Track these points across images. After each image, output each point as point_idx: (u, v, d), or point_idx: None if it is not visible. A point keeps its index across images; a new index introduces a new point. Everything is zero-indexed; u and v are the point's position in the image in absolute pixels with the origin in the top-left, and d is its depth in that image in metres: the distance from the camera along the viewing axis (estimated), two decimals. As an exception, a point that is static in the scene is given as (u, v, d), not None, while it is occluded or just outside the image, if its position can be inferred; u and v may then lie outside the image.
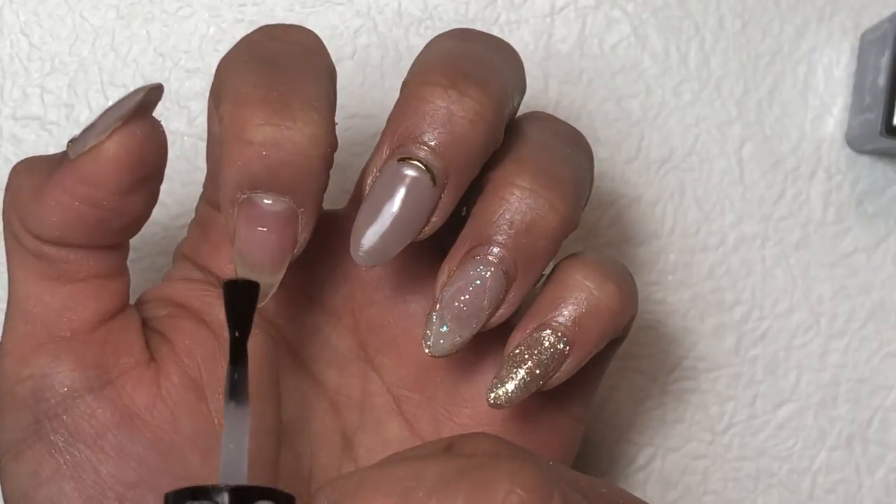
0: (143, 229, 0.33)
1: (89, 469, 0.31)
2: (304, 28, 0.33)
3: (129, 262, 0.34)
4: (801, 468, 0.43)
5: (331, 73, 0.32)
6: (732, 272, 0.43)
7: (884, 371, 0.43)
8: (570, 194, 0.32)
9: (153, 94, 0.30)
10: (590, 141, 0.43)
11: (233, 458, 0.27)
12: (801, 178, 0.43)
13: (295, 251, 0.30)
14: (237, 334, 0.28)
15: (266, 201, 0.30)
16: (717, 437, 0.43)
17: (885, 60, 0.40)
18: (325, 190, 0.31)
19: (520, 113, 0.34)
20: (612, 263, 0.33)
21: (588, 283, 0.32)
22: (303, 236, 0.30)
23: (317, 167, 0.30)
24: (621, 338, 0.34)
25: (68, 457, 0.31)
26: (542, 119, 0.34)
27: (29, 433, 0.31)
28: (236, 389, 0.28)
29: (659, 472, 0.43)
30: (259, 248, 0.30)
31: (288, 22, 0.43)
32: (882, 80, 0.40)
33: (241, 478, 0.27)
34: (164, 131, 0.31)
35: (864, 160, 0.43)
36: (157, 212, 0.33)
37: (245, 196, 0.30)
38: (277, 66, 0.30)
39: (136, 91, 0.30)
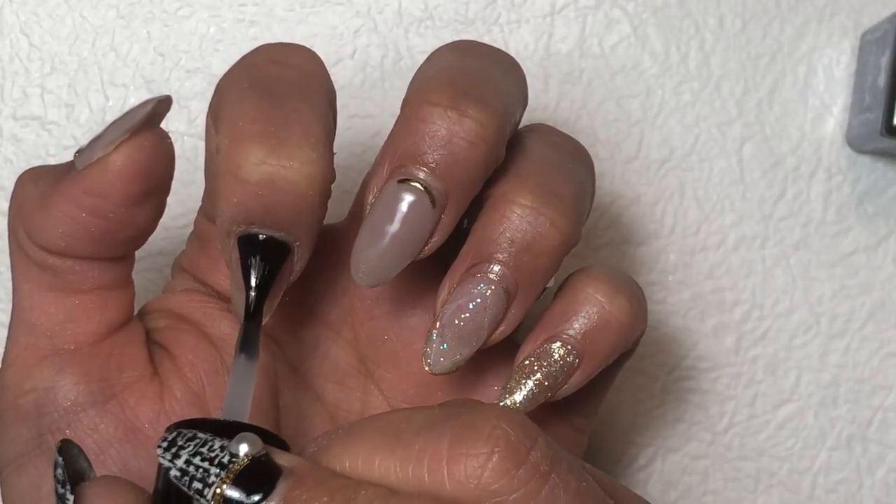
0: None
1: None
2: (304, 50, 0.32)
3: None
4: (801, 468, 0.43)
5: (330, 100, 0.32)
6: (732, 272, 0.43)
7: (884, 371, 0.43)
8: (571, 210, 0.32)
9: (161, 106, 0.30)
10: (590, 141, 0.43)
11: (235, 406, 0.28)
12: (801, 178, 0.43)
13: (291, 278, 0.30)
14: (256, 293, 0.29)
15: (262, 236, 0.30)
16: (717, 437, 0.43)
17: (885, 60, 0.40)
18: (322, 221, 0.31)
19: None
20: (623, 278, 0.33)
21: (599, 297, 0.32)
22: (298, 265, 0.30)
23: (313, 204, 0.30)
24: (629, 352, 0.34)
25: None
26: (544, 132, 0.34)
27: (31, 447, 0.31)
28: (248, 343, 0.29)
29: (660, 472, 0.43)
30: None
31: (288, 22, 0.43)
32: (882, 80, 0.40)
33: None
34: (171, 143, 0.30)
35: (864, 160, 0.43)
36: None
37: (241, 229, 0.30)
38: (276, 97, 0.30)
39: (145, 103, 0.30)
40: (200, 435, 0.26)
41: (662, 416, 0.43)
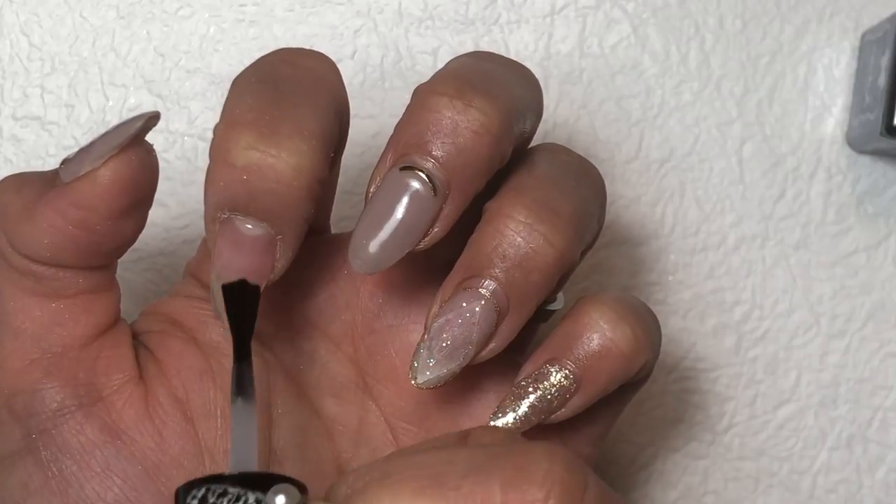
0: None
1: (75, 485, 0.31)
2: (321, 55, 0.32)
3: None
4: (801, 468, 0.43)
5: (337, 106, 0.31)
6: (732, 272, 0.43)
7: (884, 371, 0.43)
8: (568, 228, 0.31)
9: (150, 122, 0.30)
10: (590, 141, 0.43)
11: (242, 452, 0.28)
12: (801, 178, 0.43)
13: (271, 276, 0.30)
14: (238, 334, 0.29)
15: (246, 225, 0.29)
16: (717, 437, 0.43)
17: (885, 60, 0.40)
18: (309, 218, 0.30)
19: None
20: (632, 305, 0.33)
21: (602, 324, 0.32)
22: (281, 263, 0.30)
23: (298, 198, 0.29)
24: (639, 381, 0.34)
25: (56, 471, 0.31)
26: (552, 150, 0.34)
27: (21, 446, 0.31)
28: (242, 385, 0.29)
29: (659, 472, 0.43)
30: (235, 270, 0.30)
31: (288, 22, 0.43)
32: (882, 80, 0.40)
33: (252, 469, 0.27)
34: (156, 156, 0.30)
35: (864, 160, 0.43)
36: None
37: (225, 216, 0.29)
38: (279, 92, 0.30)
39: (135, 119, 0.30)
40: (231, 490, 0.25)
41: (662, 416, 0.43)
